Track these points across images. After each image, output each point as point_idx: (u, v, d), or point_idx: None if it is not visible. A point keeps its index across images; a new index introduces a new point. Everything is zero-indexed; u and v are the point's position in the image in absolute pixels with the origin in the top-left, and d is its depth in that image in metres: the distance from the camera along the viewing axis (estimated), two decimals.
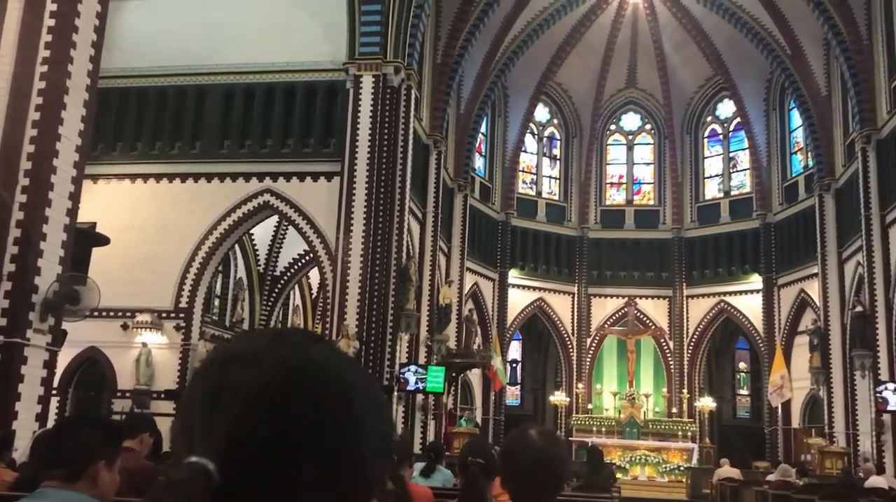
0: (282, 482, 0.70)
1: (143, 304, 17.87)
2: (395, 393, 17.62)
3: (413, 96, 19.05)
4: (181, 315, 18.15)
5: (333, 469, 0.72)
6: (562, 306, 29.54)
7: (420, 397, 19.46)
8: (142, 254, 17.95)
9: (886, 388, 16.94)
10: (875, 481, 13.02)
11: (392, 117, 18.19)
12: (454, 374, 21.79)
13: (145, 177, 18.92)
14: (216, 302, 22.01)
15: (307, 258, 22.14)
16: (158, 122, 19.38)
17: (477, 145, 27.79)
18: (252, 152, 18.82)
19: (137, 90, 19.51)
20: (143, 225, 18.32)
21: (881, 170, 20.31)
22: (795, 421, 25.66)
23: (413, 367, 18.30)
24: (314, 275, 23.30)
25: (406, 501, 4.30)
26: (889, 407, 16.83)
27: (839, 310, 22.79)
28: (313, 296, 26.03)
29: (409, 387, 17.93)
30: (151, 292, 17.89)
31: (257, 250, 23.00)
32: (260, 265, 23.21)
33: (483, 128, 28.35)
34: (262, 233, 22.02)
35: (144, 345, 17.54)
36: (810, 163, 25.66)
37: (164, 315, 18.04)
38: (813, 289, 24.63)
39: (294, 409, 0.71)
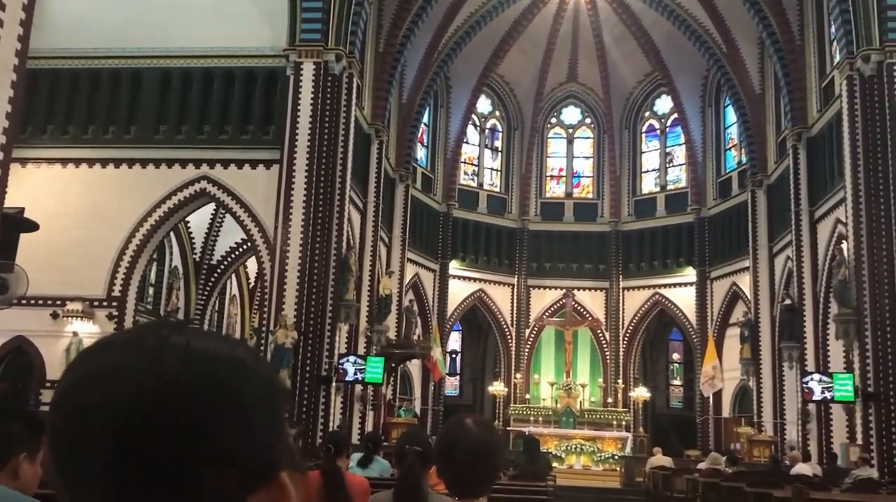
0: (180, 491, 0.65)
1: (74, 292, 17.40)
2: (334, 384, 17.52)
3: (355, 85, 18.90)
4: (114, 304, 17.72)
5: (233, 464, 0.67)
6: (501, 297, 29.76)
7: (359, 388, 19.39)
8: (73, 241, 17.46)
9: (812, 379, 17.50)
10: (800, 468, 13.48)
11: (333, 105, 18.02)
12: (393, 365, 21.77)
13: (77, 161, 18.38)
14: (150, 290, 21.55)
15: (245, 247, 21.83)
16: (91, 105, 18.84)
17: (419, 136, 27.74)
18: (189, 138, 18.43)
19: (70, 71, 18.92)
20: (75, 211, 17.80)
21: (811, 167, 20.95)
22: (726, 411, 26.38)
23: (352, 358, 18.21)
24: (252, 265, 23.02)
25: (342, 492, 4.28)
26: (814, 398, 17.40)
27: (769, 303, 23.48)
28: (251, 286, 25.69)
29: (347, 378, 17.84)
30: (83, 280, 17.42)
31: (193, 238, 22.57)
32: (196, 253, 22.79)
33: (425, 119, 28.31)
34: (199, 220, 21.61)
35: (75, 334, 17.07)
36: (744, 159, 26.32)
37: (95, 303, 17.58)
38: (744, 283, 25.31)
39: (173, 419, 0.65)
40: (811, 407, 19.17)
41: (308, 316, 16.91)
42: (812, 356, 20.08)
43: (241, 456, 0.68)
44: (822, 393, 17.00)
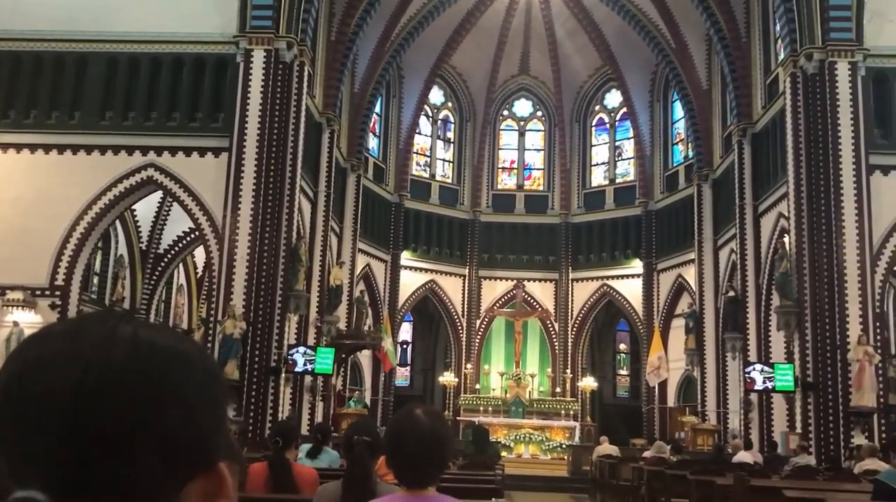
0: (120, 477, 0.67)
1: (16, 281, 16.95)
2: (283, 375, 17.39)
3: (306, 73, 18.72)
4: (57, 293, 17.31)
5: (174, 453, 0.69)
6: (453, 288, 29.86)
7: (308, 379, 19.29)
8: (14, 229, 17.00)
9: (754, 369, 17.92)
10: (742, 456, 13.82)
11: (284, 94, 17.82)
12: (344, 355, 21.69)
13: (19, 146, 17.87)
14: (95, 279, 21.11)
15: (193, 236, 21.49)
16: (34, 89, 18.30)
17: (371, 125, 27.61)
18: (136, 125, 18.05)
19: (11, 55, 18.36)
20: (17, 197, 17.32)
21: (755, 162, 21.41)
22: (671, 400, 26.91)
23: (302, 349, 18.09)
24: (200, 254, 22.66)
25: (290, 483, 4.27)
26: (756, 387, 17.81)
27: (713, 295, 23.97)
28: (198, 276, 25.32)
29: (297, 369, 17.72)
30: (24, 268, 16.97)
31: (139, 226, 22.16)
32: (142, 242, 22.38)
33: (377, 109, 28.19)
34: (145, 208, 21.22)
35: (16, 324, 16.63)
36: (690, 153, 26.78)
37: (38, 293, 17.15)
38: (689, 275, 25.81)
39: (115, 406, 0.67)
40: (753, 396, 19.64)
41: (257, 306, 16.75)
42: (754, 347, 20.58)
43: (181, 445, 0.70)
44: (764, 382, 17.41)
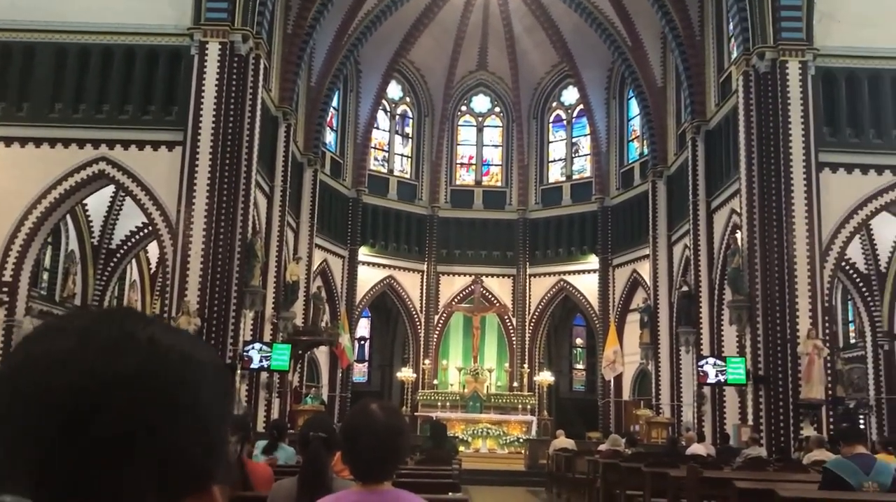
0: (110, 488, 0.63)
1: None
2: (239, 372, 17.21)
3: (262, 66, 18.52)
4: (5, 289, 16.89)
5: (173, 469, 0.66)
6: (411, 283, 29.82)
7: (264, 375, 19.11)
8: None
9: (707, 363, 18.21)
10: (695, 449, 14.04)
11: (239, 87, 17.61)
12: (300, 352, 21.54)
13: None
14: (45, 275, 20.62)
15: (146, 231, 21.12)
16: None
17: (328, 120, 27.42)
18: (87, 117, 17.67)
19: None
20: None
21: (708, 159, 21.75)
22: (626, 394, 27.25)
23: (257, 345, 17.92)
24: (153, 249, 22.28)
25: (245, 480, 4.23)
26: (709, 381, 18.11)
27: (667, 290, 24.32)
28: (152, 271, 24.90)
29: (253, 366, 17.55)
30: None
31: (91, 221, 21.70)
32: (94, 237, 21.92)
33: (335, 103, 28.00)
34: (97, 203, 20.78)
35: None
36: (645, 150, 27.12)
37: None
38: (644, 270, 26.14)
39: (119, 413, 0.63)
40: (706, 389, 19.98)
41: (212, 302, 16.55)
42: (707, 340, 20.93)
43: (182, 462, 0.66)
44: (716, 376, 17.71)
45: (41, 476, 0.62)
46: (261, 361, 17.57)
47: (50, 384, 0.63)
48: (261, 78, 18.44)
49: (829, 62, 17.52)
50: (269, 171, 20.97)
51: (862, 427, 21.53)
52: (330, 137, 28.28)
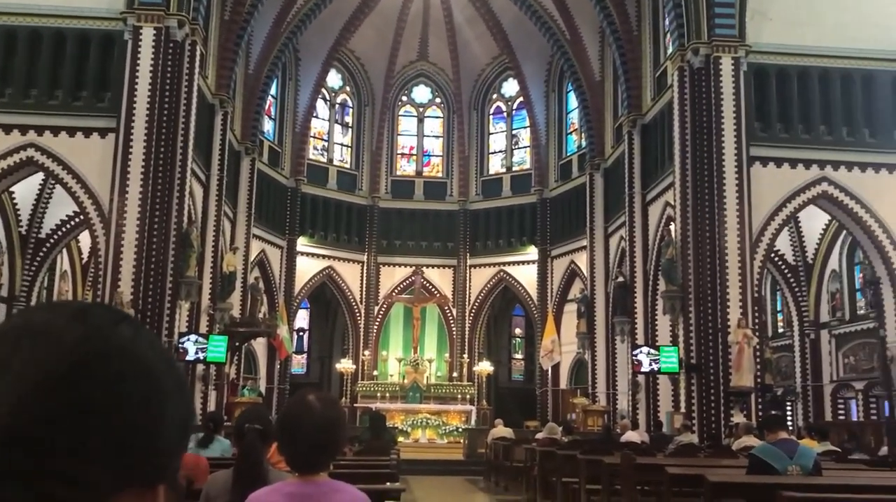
0: (64, 465, 0.64)
1: None
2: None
3: (198, 53, 18.14)
4: None
5: (124, 456, 0.67)
6: (351, 274, 29.68)
7: (200, 367, 18.82)
8: None
9: (641, 352, 18.57)
10: (629, 436, 14.36)
11: (175, 73, 17.22)
12: (237, 343, 21.25)
13: None
14: None
15: (77, 220, 20.53)
16: None
17: (266, 108, 27.04)
18: (14, 102, 17.06)
19: None
20: None
21: (644, 152, 22.16)
22: (563, 383, 27.65)
23: (193, 337, 17.64)
24: (85, 239, 21.68)
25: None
26: (643, 369, 18.46)
27: (604, 280, 24.73)
28: (84, 261, 24.23)
29: (188, 358, 17.26)
30: None
31: (19, 210, 20.97)
32: (22, 226, 21.20)
33: (273, 91, 27.64)
34: (25, 190, 20.10)
35: None
36: (583, 143, 27.47)
37: None
38: (582, 261, 26.53)
39: (86, 392, 0.65)
40: (640, 378, 20.41)
41: (146, 293, 16.21)
42: (642, 330, 21.38)
43: (136, 454, 0.67)
44: (650, 365, 18.08)
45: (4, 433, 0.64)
46: (196, 353, 17.30)
47: (36, 351, 0.66)
48: (197, 65, 18.07)
49: (760, 59, 17.97)
50: (206, 160, 20.59)
51: (789, 413, 22.32)
52: (268, 126, 27.91)
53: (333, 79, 30.78)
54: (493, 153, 31.97)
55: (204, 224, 20.20)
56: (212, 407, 19.44)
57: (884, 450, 14.90)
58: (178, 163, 17.09)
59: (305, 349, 31.60)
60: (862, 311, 21.16)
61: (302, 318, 31.03)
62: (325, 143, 30.77)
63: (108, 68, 17.33)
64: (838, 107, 17.93)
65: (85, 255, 23.87)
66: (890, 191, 17.49)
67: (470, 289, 30.14)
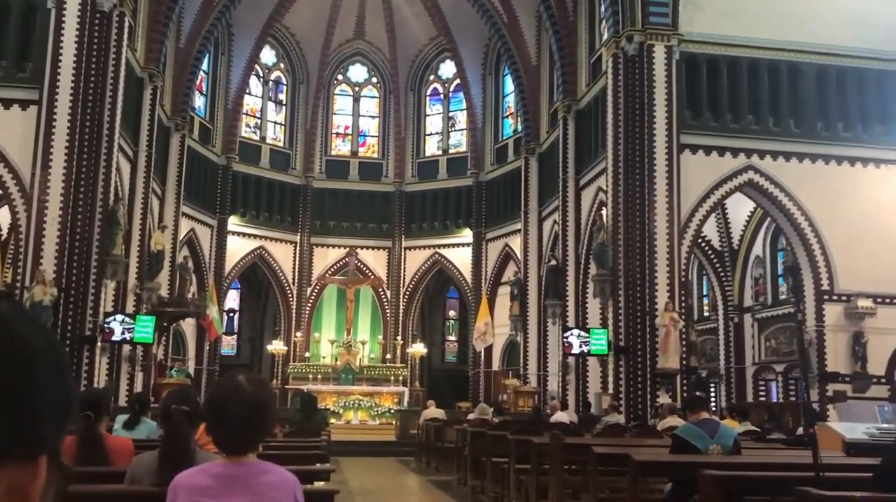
0: None
1: None
2: (99, 344, 16.47)
3: (126, 24, 17.57)
4: None
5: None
6: (283, 255, 29.34)
7: (127, 348, 18.39)
8: None
9: (572, 334, 18.87)
10: (559, 416, 14.60)
11: (102, 45, 16.66)
12: (165, 324, 20.84)
13: None
14: None
15: None
16: None
17: (197, 83, 26.41)
18: None
19: None
20: None
21: (578, 138, 22.40)
22: (496, 365, 27.95)
23: (119, 317, 17.21)
24: (5, 214, 20.86)
25: (102, 455, 4.08)
26: (573, 351, 18.77)
27: (537, 264, 25.02)
28: (3, 238, 23.31)
29: (114, 338, 16.85)
30: None
31: None
32: None
33: (205, 66, 27.00)
34: None
35: None
36: (519, 127, 27.65)
37: None
38: (516, 244, 26.77)
39: None
40: (570, 359, 20.75)
41: (69, 271, 15.72)
42: (573, 313, 21.72)
43: (13, 422, 0.69)
44: (580, 346, 18.39)
45: None
46: (123, 333, 16.90)
47: None
48: (125, 36, 17.51)
49: (692, 48, 18.32)
50: (134, 135, 20.04)
51: (712, 395, 23.02)
52: (199, 102, 27.27)
53: (267, 55, 30.22)
54: (429, 135, 31.90)
55: (131, 201, 19.69)
56: (139, 388, 19.03)
57: (800, 430, 15.52)
58: (105, 138, 16.58)
59: (236, 330, 31.17)
60: (784, 297, 21.92)
61: (232, 299, 30.57)
62: (258, 121, 30.24)
63: (30, 38, 16.68)
64: (765, 97, 18.43)
65: (4, 232, 22.98)
66: (812, 180, 18.10)
67: (405, 271, 30.12)
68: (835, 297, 17.81)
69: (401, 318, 29.73)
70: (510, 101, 29.12)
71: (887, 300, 17.73)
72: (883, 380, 17.51)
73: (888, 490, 3.76)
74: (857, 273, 17.67)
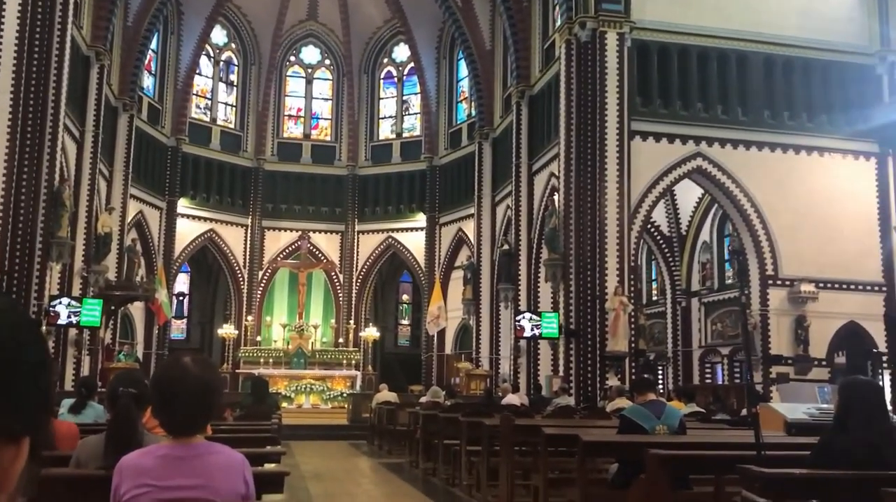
0: None
1: None
2: (44, 328, 16.12)
3: (71, 1, 17.10)
4: None
5: None
6: (234, 238, 29.00)
7: (74, 331, 18.03)
8: None
9: (524, 318, 19.05)
10: (510, 399, 14.75)
11: (45, 22, 16.19)
12: (113, 307, 20.49)
13: None
14: None
15: None
16: None
17: (146, 63, 25.86)
18: None
19: None
20: None
21: (531, 123, 22.53)
22: (449, 348, 28.08)
23: (65, 300, 16.88)
24: None
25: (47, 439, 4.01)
26: (525, 335, 18.96)
27: (490, 248, 25.16)
28: None
29: (60, 321, 16.51)
30: None
31: None
32: None
33: (154, 46, 26.43)
34: None
35: None
36: (473, 112, 27.67)
37: None
38: (469, 229, 26.86)
39: None
40: (522, 343, 20.96)
41: (13, 254, 15.33)
42: (525, 296, 21.91)
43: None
44: (532, 330, 18.58)
45: None
46: (69, 317, 16.58)
47: None
48: (70, 13, 17.04)
49: (644, 36, 18.50)
50: (80, 115, 19.57)
51: (660, 377, 23.46)
52: (148, 82, 26.72)
53: (218, 35, 29.70)
54: (383, 118, 31.75)
55: (77, 182, 19.26)
56: (85, 372, 18.70)
57: (744, 411, 15.92)
58: (50, 118, 16.16)
59: (186, 314, 30.78)
60: (730, 281, 22.40)
61: (182, 282, 30.16)
62: (209, 102, 29.75)
63: None
64: (714, 85, 18.72)
65: None
66: (758, 168, 18.48)
67: (358, 255, 30.01)
68: (779, 282, 18.26)
69: (354, 302, 29.65)
70: (464, 85, 29.10)
71: (829, 285, 18.24)
72: (824, 363, 18.04)
73: (824, 466, 3.90)
74: (801, 258, 18.13)
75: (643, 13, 18.46)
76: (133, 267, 22.18)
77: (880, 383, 13.31)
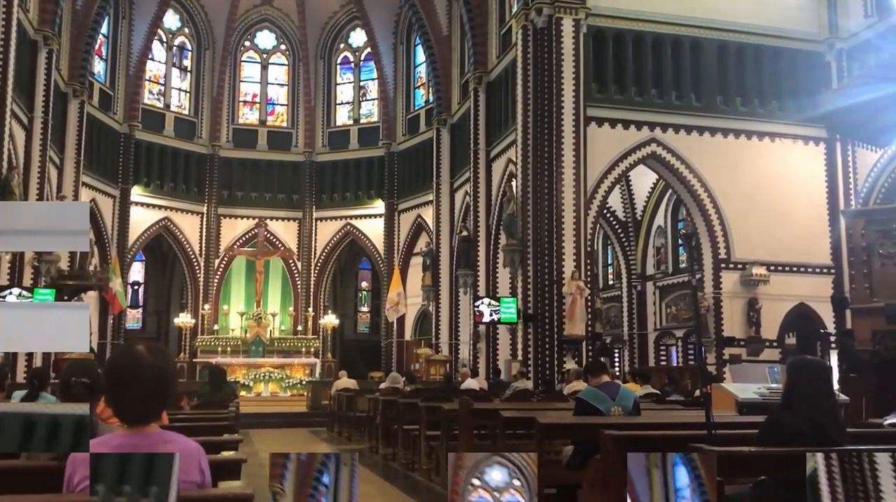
0: None
1: None
2: None
3: None
4: None
5: None
6: (189, 226, 28.63)
7: None
8: None
9: (483, 303, 19.15)
10: (469, 383, 14.85)
11: None
12: (66, 297, 20.09)
13: None
14: None
15: None
16: None
17: (97, 47, 25.30)
18: None
19: None
20: None
21: (489, 109, 22.56)
22: (408, 334, 28.12)
23: (16, 290, 16.55)
24: None
25: None
26: (484, 320, 19.07)
27: (449, 234, 25.21)
28: None
29: None
30: None
31: None
32: None
33: (104, 30, 25.87)
34: None
35: None
36: (431, 98, 27.61)
37: None
38: (428, 215, 26.87)
39: None
40: (481, 328, 21.07)
41: None
42: (483, 282, 22.01)
43: None
44: (491, 315, 18.69)
45: None
46: None
47: None
48: None
49: (599, 22, 18.59)
50: (28, 101, 19.12)
51: (616, 360, 23.80)
52: (99, 67, 26.17)
53: (171, 20, 29.17)
54: (340, 104, 31.52)
55: (27, 170, 18.85)
56: (38, 363, 18.35)
57: (698, 392, 16.23)
58: None
59: (141, 303, 30.35)
60: (683, 265, 22.76)
61: (137, 271, 29.72)
62: (162, 88, 29.25)
63: None
64: (669, 71, 18.92)
65: None
66: (711, 153, 18.76)
67: (316, 242, 29.85)
68: (731, 265, 18.60)
69: (312, 290, 29.51)
70: (422, 71, 29.00)
71: (780, 268, 18.64)
72: (775, 344, 18.45)
73: (771, 444, 4.01)
74: (752, 242, 18.49)
75: (598, 0, 18.57)
76: (86, 256, 21.80)
77: (827, 363, 13.68)
